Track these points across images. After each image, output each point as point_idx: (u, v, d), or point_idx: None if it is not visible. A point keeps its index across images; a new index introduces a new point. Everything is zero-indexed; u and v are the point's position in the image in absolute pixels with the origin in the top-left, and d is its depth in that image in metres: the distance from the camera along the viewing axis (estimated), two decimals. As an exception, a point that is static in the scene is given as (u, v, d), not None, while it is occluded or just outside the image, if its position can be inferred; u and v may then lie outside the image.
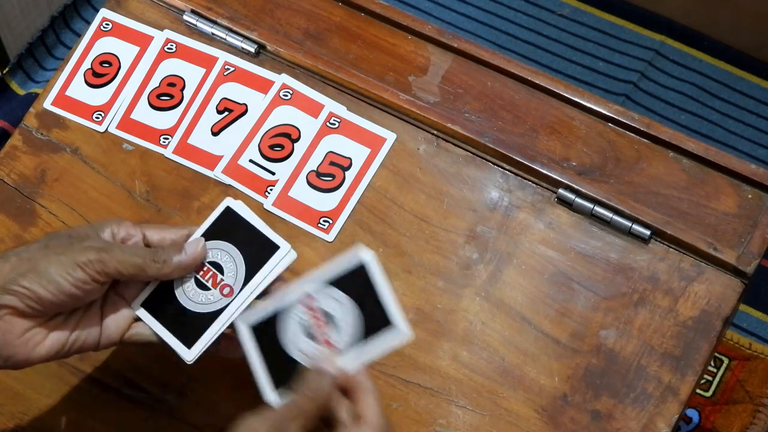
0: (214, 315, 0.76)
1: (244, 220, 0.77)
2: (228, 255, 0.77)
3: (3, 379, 0.88)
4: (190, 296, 0.77)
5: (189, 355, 0.76)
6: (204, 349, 0.76)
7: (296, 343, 0.73)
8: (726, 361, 1.26)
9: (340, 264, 0.73)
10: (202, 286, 0.77)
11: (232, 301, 0.76)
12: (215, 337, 0.76)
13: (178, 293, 0.77)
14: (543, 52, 1.59)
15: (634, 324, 0.83)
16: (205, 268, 0.77)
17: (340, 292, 0.73)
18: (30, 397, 0.88)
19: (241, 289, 0.76)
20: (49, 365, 0.88)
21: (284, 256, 0.75)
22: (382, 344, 0.71)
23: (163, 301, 0.77)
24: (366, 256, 0.72)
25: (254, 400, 0.84)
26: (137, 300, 0.78)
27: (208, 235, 0.78)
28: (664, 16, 1.60)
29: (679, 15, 1.58)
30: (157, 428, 0.86)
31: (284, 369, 0.73)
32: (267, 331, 0.75)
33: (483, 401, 0.82)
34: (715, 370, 1.25)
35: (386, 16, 0.96)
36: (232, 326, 0.76)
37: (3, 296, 0.72)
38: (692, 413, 1.23)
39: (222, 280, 0.76)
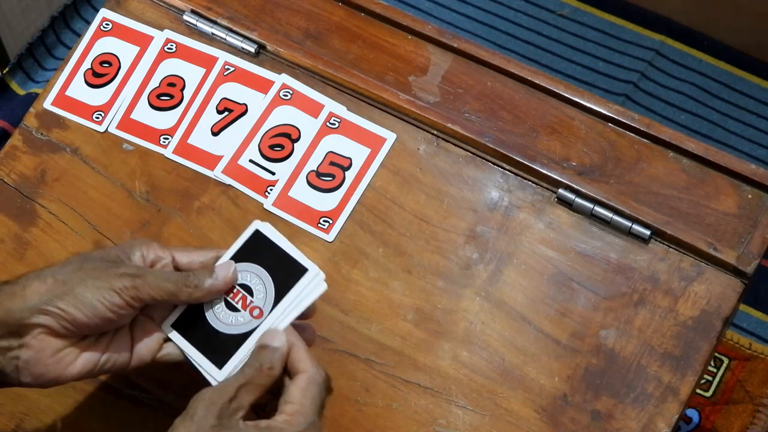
0: (244, 336, 0.77)
1: (273, 243, 0.78)
2: (257, 277, 0.77)
3: (3, 379, 0.88)
4: (221, 318, 0.78)
5: (220, 375, 0.76)
6: (235, 370, 0.76)
7: (224, 320, 0.77)
8: (726, 361, 1.26)
9: (239, 240, 0.78)
10: (232, 308, 0.77)
11: (262, 322, 0.76)
12: (246, 358, 0.76)
13: (209, 315, 0.78)
14: (543, 52, 1.59)
15: (634, 324, 0.83)
16: (234, 290, 0.78)
17: (248, 263, 0.77)
18: (30, 397, 0.88)
19: (271, 311, 0.76)
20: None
21: (313, 278, 0.76)
22: (303, 292, 0.75)
23: (193, 323, 0.78)
24: (258, 223, 0.78)
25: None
26: (167, 321, 0.79)
27: (238, 257, 0.78)
28: (664, 16, 1.60)
29: (679, 15, 1.58)
30: (158, 428, 0.85)
31: (221, 347, 0.76)
32: (192, 323, 0.78)
33: (483, 401, 0.82)
34: (715, 370, 1.26)
35: (386, 16, 0.96)
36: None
37: (39, 316, 0.73)
38: (692, 413, 1.23)
39: (252, 302, 0.77)
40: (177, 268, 0.79)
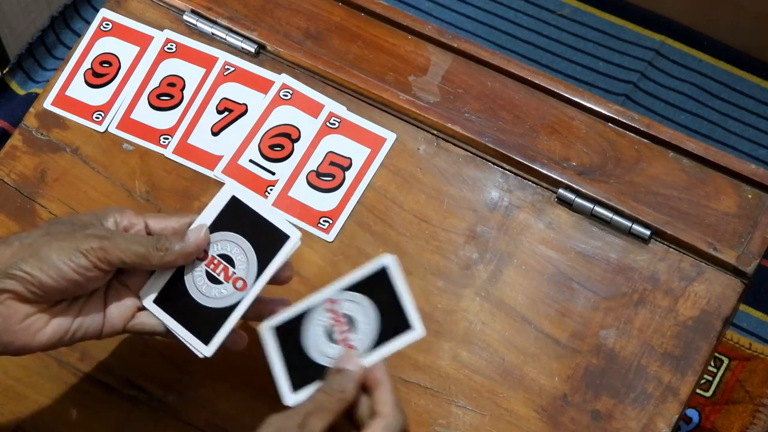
0: (230, 309, 0.75)
1: (251, 209, 0.76)
2: (238, 247, 0.76)
3: (3, 380, 0.88)
4: (203, 291, 0.76)
5: (207, 351, 0.75)
6: (222, 344, 0.75)
7: (318, 346, 0.74)
8: (726, 361, 1.26)
9: (364, 269, 0.74)
10: (214, 280, 0.76)
11: (246, 294, 0.75)
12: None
13: (190, 288, 0.77)
14: (543, 52, 1.59)
15: (634, 324, 0.83)
16: (215, 261, 0.76)
17: (361, 296, 0.73)
18: (30, 397, 0.88)
19: (255, 282, 0.75)
20: (50, 366, 0.88)
21: (295, 244, 0.75)
22: (399, 343, 0.72)
23: (174, 296, 0.77)
24: (387, 259, 0.73)
25: (254, 401, 0.84)
26: (148, 295, 0.77)
27: (215, 227, 0.77)
28: (664, 16, 1.60)
29: (679, 15, 1.58)
30: (158, 429, 0.86)
31: (304, 372, 0.73)
32: (289, 335, 0.75)
33: (483, 401, 0.82)
34: (715, 370, 1.26)
35: (386, 16, 0.96)
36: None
37: (5, 281, 0.72)
38: (692, 413, 1.23)
39: (234, 273, 0.76)
40: (150, 235, 0.78)
